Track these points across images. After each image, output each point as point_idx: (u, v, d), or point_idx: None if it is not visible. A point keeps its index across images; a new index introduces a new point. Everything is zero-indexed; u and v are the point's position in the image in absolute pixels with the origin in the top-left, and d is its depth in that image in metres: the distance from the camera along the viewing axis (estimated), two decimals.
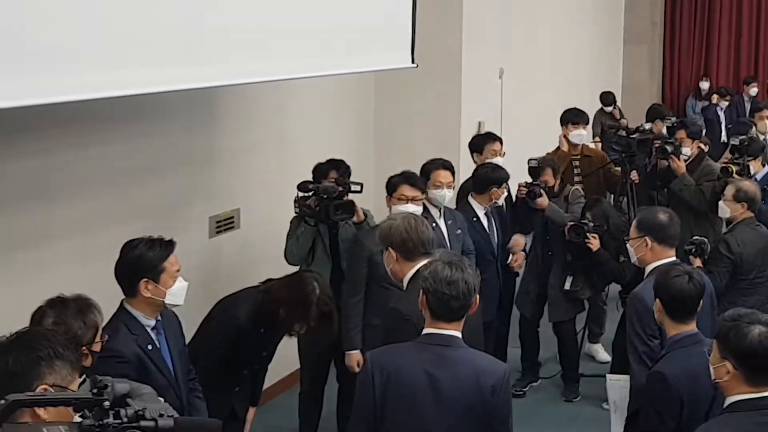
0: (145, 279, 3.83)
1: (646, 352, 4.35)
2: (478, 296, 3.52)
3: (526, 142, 8.02)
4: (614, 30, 13.86)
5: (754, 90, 13.78)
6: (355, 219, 5.57)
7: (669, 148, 7.22)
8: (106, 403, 2.07)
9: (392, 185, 5.52)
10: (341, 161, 5.77)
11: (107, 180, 5.19)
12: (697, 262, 5.85)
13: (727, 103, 13.56)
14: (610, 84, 13.34)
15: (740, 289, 5.97)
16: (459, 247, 5.91)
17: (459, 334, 3.49)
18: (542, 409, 6.76)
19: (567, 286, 6.59)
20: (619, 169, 7.55)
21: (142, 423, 2.07)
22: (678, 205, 6.83)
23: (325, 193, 5.45)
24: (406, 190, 5.46)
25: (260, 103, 6.40)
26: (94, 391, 2.10)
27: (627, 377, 4.48)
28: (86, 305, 3.41)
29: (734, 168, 7.15)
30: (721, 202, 6.30)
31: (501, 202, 6.40)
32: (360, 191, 5.57)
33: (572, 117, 7.61)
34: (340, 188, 5.48)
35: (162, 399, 2.72)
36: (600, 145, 10.15)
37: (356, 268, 5.39)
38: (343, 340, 5.36)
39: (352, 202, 5.53)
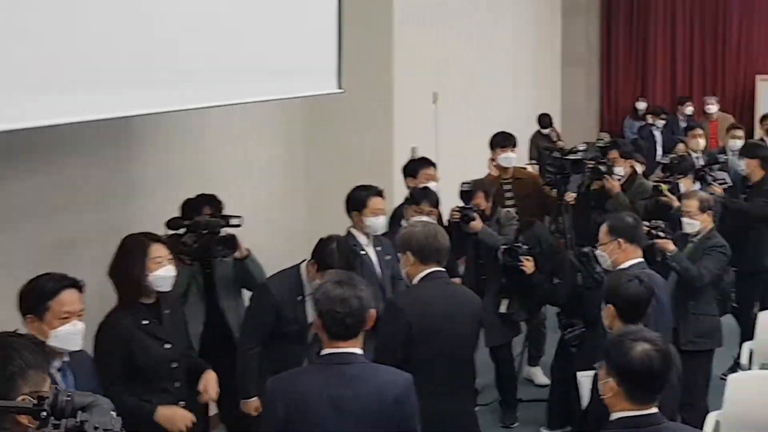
0: (29, 315, 3.67)
1: None
2: (373, 311, 3.58)
3: (461, 167, 7.94)
4: (552, 53, 13.93)
5: (689, 109, 13.91)
6: (237, 254, 5.32)
7: (602, 168, 7.26)
8: (44, 414, 2.29)
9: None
10: (213, 196, 5.54)
11: (12, 217, 4.96)
12: (669, 245, 6.08)
13: (663, 122, 13.66)
14: (549, 107, 13.41)
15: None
16: (389, 273, 5.80)
17: (359, 351, 3.53)
18: None
19: (503, 308, 6.52)
20: (555, 190, 7.53)
21: None
22: None
23: (207, 228, 5.23)
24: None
25: (180, 132, 6.22)
26: (34, 402, 2.35)
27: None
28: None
29: (665, 186, 7.20)
30: (685, 219, 6.33)
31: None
32: (239, 225, 5.33)
33: (500, 141, 7.57)
34: (222, 222, 5.27)
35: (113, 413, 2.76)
36: (538, 167, 10.14)
37: (259, 316, 5.05)
38: (240, 389, 5.07)
39: (233, 237, 5.28)
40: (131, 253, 4.36)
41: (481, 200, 6.70)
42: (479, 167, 7.86)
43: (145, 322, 4.33)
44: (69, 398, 2.36)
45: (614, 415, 3.23)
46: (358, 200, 5.75)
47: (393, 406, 3.47)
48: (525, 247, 6.35)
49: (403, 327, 4.33)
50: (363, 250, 5.67)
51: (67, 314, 3.70)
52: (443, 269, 4.62)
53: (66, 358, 3.76)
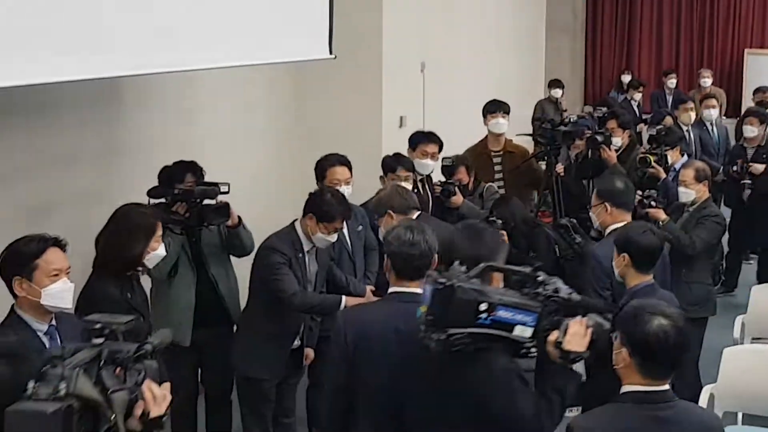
0: (17, 277, 3.57)
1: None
2: (436, 255, 3.70)
3: (449, 136, 7.81)
4: (537, 22, 13.78)
5: (671, 82, 13.80)
6: (229, 222, 5.24)
7: (599, 138, 7.17)
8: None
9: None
10: (194, 163, 5.37)
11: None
12: (661, 214, 6.13)
13: (640, 95, 13.55)
14: (534, 78, 13.29)
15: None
16: (360, 244, 5.73)
17: (421, 291, 3.56)
18: None
19: None
20: (542, 163, 7.44)
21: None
22: None
23: (202, 197, 5.14)
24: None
25: (168, 96, 6.05)
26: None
27: None
28: None
29: (652, 158, 7.14)
30: (681, 188, 6.32)
31: None
32: (227, 192, 5.21)
33: (491, 107, 7.55)
34: (218, 190, 5.17)
35: None
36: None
37: (283, 269, 4.98)
38: (330, 308, 5.00)
39: (227, 205, 5.20)
40: (138, 230, 4.31)
41: (463, 175, 6.75)
42: (466, 137, 7.80)
43: (128, 294, 4.28)
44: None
45: (624, 388, 3.14)
46: (319, 169, 5.66)
47: None
48: (499, 221, 6.27)
49: None
50: None
51: (56, 272, 3.61)
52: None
53: (53, 322, 3.66)
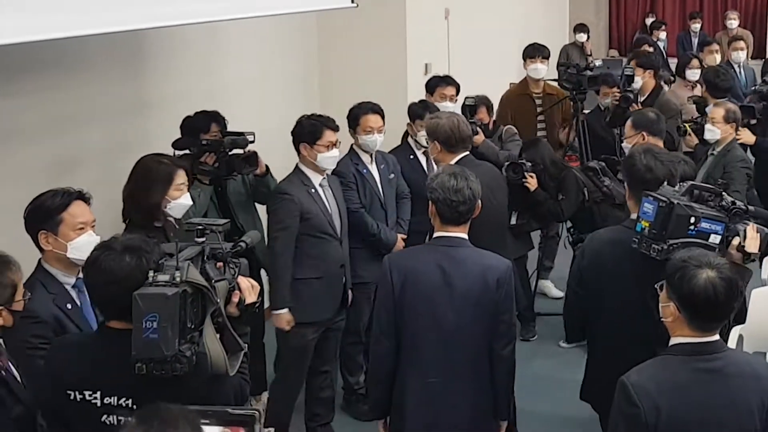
0: (43, 231, 3.59)
1: None
2: (480, 201, 3.94)
3: (473, 84, 7.78)
4: None
5: (695, 26, 13.56)
6: (258, 171, 5.28)
7: (631, 96, 6.88)
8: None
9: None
10: (217, 113, 5.39)
11: (25, 133, 4.86)
12: None
13: (665, 33, 13.34)
14: (559, 23, 13.16)
15: None
16: (392, 192, 5.74)
17: (465, 236, 3.94)
18: None
19: (513, 220, 6.41)
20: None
21: None
22: None
23: (232, 146, 5.17)
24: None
25: (192, 48, 6.06)
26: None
27: None
28: (1, 262, 3.15)
29: (689, 126, 6.76)
30: (708, 125, 6.22)
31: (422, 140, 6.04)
32: (253, 141, 5.25)
33: (529, 51, 7.61)
34: (249, 140, 5.20)
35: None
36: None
37: (288, 222, 5.00)
38: (273, 299, 5.08)
39: (255, 154, 5.23)
40: (155, 178, 4.29)
41: (483, 115, 6.80)
42: (489, 81, 7.77)
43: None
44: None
45: (674, 340, 3.12)
46: (352, 118, 5.62)
47: (495, 287, 3.86)
48: (529, 164, 6.28)
49: None
50: (366, 168, 5.60)
51: (82, 225, 3.63)
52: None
53: (80, 275, 3.65)
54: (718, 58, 9.62)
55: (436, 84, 6.68)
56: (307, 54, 7.61)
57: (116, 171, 4.81)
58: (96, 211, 3.76)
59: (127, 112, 5.60)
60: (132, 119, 5.65)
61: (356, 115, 5.62)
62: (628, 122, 5.56)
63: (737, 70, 9.65)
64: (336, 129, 5.14)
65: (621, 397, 3.02)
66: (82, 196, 3.71)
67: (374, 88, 7.18)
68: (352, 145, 5.67)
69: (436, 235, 3.95)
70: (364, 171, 5.61)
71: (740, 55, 9.66)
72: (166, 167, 4.35)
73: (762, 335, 5.18)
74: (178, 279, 2.67)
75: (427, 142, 5.34)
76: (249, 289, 2.99)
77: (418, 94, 6.85)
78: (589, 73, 7.15)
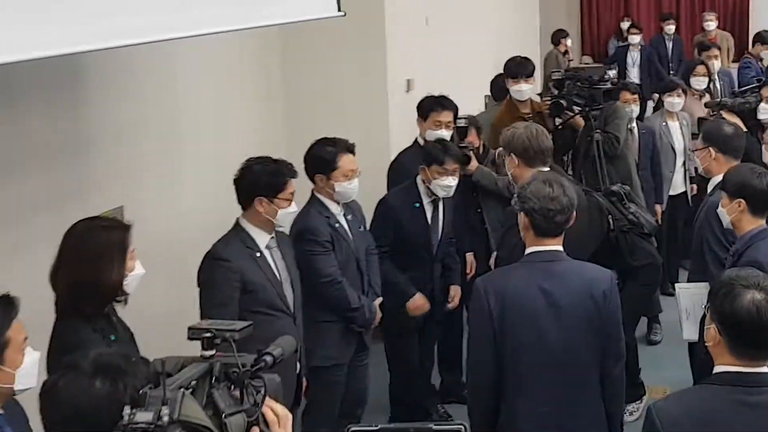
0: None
1: (727, 257, 4.52)
2: (575, 211, 3.71)
3: (456, 96, 6.91)
4: None
5: (669, 28, 13.03)
6: None
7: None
8: None
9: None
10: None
11: None
12: None
13: (638, 37, 12.70)
14: (528, 31, 12.41)
15: None
16: (363, 247, 4.86)
17: (561, 248, 3.73)
18: None
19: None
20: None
21: None
22: None
23: None
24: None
25: (140, 73, 5.06)
26: None
27: (696, 284, 4.70)
28: None
29: None
30: (763, 104, 6.56)
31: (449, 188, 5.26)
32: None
33: (511, 69, 6.75)
34: None
35: None
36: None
37: (226, 296, 4.17)
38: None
39: None
40: (108, 252, 3.37)
41: (474, 138, 6.17)
42: (467, 97, 7.16)
43: (111, 336, 3.40)
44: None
45: (717, 368, 2.89)
46: (323, 159, 4.64)
47: (601, 300, 3.67)
48: None
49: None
50: (337, 221, 4.72)
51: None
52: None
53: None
54: (717, 64, 9.35)
55: (430, 108, 5.78)
56: (270, 74, 6.63)
57: (55, 224, 3.78)
58: (33, 296, 2.97)
59: (64, 154, 4.58)
60: (71, 162, 4.63)
61: (330, 156, 4.64)
62: (701, 133, 5.27)
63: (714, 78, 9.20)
64: (296, 175, 4.33)
65: (645, 423, 2.88)
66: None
67: (349, 112, 6.45)
68: (313, 192, 4.71)
69: (529, 250, 3.72)
70: (336, 225, 4.69)
71: (715, 64, 9.27)
72: (116, 233, 3.43)
73: None
74: (165, 418, 1.83)
75: (502, 158, 4.94)
76: (276, 422, 2.07)
77: (400, 115, 6.13)
78: (603, 86, 6.26)
